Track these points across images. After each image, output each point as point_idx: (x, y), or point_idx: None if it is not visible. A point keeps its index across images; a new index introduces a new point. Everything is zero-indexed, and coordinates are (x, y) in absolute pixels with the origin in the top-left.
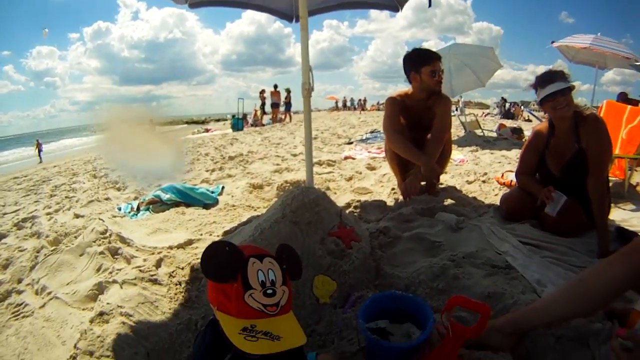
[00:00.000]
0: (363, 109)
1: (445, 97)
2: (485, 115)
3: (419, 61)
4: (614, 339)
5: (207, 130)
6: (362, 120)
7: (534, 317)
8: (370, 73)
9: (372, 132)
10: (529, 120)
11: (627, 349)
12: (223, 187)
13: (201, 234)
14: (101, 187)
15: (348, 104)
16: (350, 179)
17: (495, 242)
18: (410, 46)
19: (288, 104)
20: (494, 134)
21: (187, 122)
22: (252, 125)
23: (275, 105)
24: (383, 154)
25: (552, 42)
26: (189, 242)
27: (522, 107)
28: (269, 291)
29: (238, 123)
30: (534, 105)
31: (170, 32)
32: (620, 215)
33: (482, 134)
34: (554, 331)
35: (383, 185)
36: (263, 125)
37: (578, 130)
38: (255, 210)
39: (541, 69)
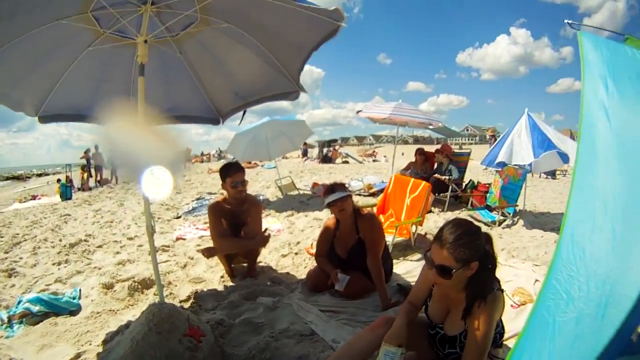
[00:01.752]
0: (187, 161)
1: (257, 204)
2: (305, 160)
3: (224, 174)
4: None
5: (34, 198)
6: (187, 179)
7: None
8: None
9: (197, 199)
10: (347, 162)
11: None
12: (80, 290)
13: (82, 345)
14: None
15: None
16: (185, 266)
17: (303, 315)
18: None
19: None
20: (309, 192)
21: (8, 178)
22: (79, 189)
23: (99, 168)
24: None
25: (358, 111)
26: (78, 356)
27: (340, 149)
28: None
29: (67, 191)
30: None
31: None
32: (406, 267)
33: (297, 193)
34: None
35: (214, 271)
36: (90, 189)
37: (357, 225)
38: (116, 313)
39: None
